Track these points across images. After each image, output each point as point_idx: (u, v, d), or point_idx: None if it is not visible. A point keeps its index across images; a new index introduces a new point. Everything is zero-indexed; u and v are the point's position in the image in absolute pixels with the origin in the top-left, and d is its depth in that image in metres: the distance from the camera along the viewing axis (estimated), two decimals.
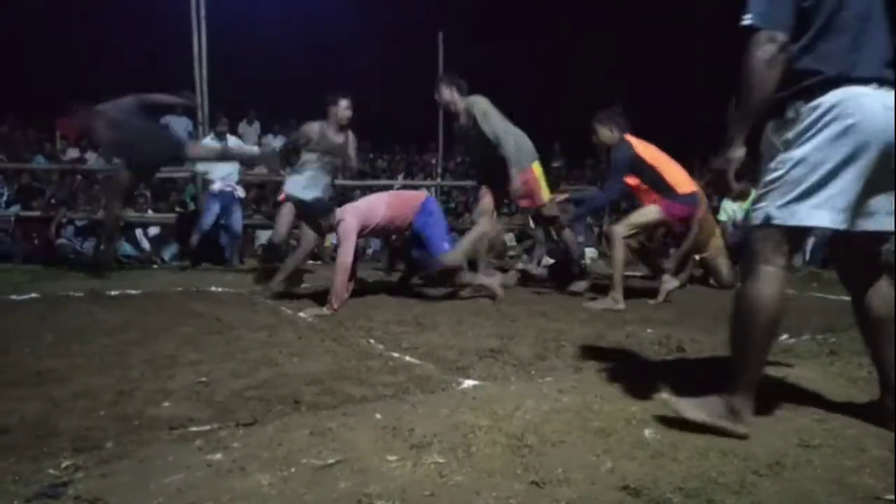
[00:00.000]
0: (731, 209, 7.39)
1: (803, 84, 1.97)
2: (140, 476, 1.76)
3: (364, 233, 4.72)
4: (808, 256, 7.35)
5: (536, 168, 5.47)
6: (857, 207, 1.99)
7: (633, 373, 2.85)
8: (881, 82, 1.97)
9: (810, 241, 6.44)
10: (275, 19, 12.79)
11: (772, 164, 2.03)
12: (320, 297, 4.70)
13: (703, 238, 5.74)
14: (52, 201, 7.86)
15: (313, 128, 5.43)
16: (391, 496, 1.65)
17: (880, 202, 2.03)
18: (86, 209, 7.84)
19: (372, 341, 3.54)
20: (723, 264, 6.12)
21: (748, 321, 2.02)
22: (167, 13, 8.43)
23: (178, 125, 10.54)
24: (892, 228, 2.05)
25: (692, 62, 13.46)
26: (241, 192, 7.65)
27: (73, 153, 9.30)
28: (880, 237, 2.10)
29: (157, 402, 2.43)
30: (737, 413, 2.05)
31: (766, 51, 1.91)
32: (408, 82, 9.52)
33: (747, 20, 1.95)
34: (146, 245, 7.77)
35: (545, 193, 5.53)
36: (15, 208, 7.68)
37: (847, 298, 2.32)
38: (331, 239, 7.22)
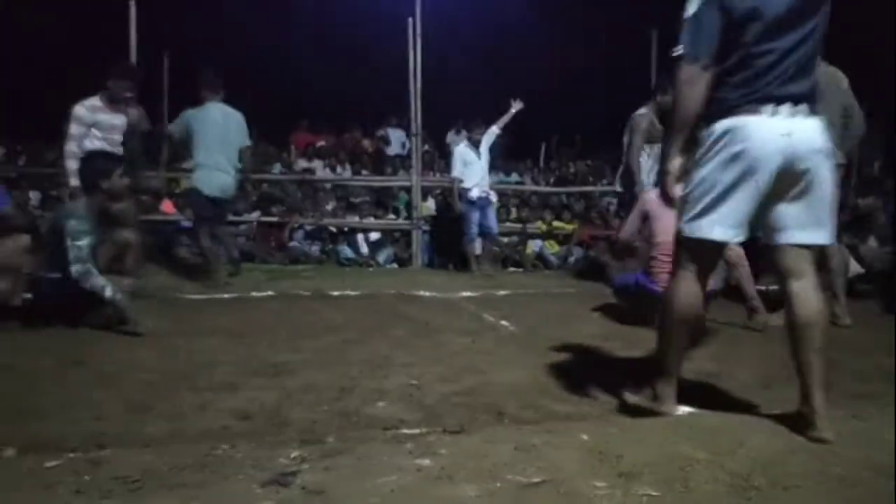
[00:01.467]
0: None
1: (709, 110, 2.23)
2: (357, 473, 1.86)
3: None
4: None
5: None
6: (767, 223, 2.27)
7: (882, 413, 2.45)
8: (782, 105, 2.16)
9: None
10: (482, 28, 13.17)
11: (687, 182, 2.30)
12: None
13: None
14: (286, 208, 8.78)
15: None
16: None
17: (791, 217, 2.23)
18: (313, 215, 8.65)
19: (573, 355, 3.45)
20: None
21: (665, 318, 2.37)
22: (385, 35, 9.04)
23: (395, 137, 11.26)
24: (807, 241, 2.24)
25: None
26: (494, 197, 7.73)
27: (302, 163, 10.33)
28: (800, 247, 2.25)
29: (373, 402, 2.57)
30: (659, 397, 2.42)
31: (687, 72, 2.21)
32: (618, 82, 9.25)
33: (677, 50, 2.25)
34: (364, 249, 8.37)
35: None
36: (256, 214, 8.69)
37: None
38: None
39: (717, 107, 2.22)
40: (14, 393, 2.62)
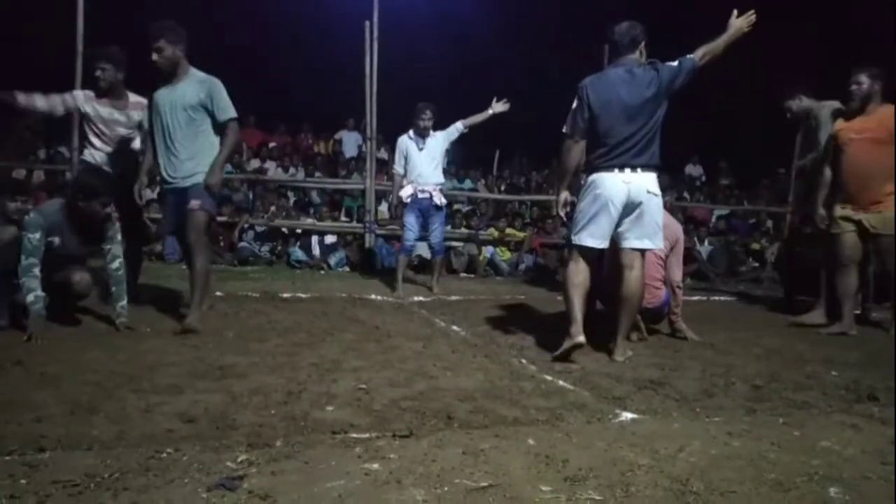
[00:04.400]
0: None
1: (586, 166, 3.63)
2: (305, 477, 1.85)
3: None
4: None
5: None
6: (618, 235, 3.57)
7: (815, 421, 2.57)
8: (626, 168, 3.46)
9: None
10: (438, 34, 13.20)
11: (572, 210, 3.71)
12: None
13: None
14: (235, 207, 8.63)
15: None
16: None
17: (636, 231, 3.54)
18: (264, 215, 8.53)
19: (524, 361, 3.51)
20: None
21: (566, 287, 3.58)
22: (341, 35, 8.99)
23: (351, 140, 11.20)
24: (637, 246, 3.57)
25: None
26: (440, 199, 6.18)
27: (255, 163, 10.18)
28: (633, 250, 3.58)
29: (321, 406, 2.56)
30: (571, 334, 3.45)
31: (567, 146, 3.64)
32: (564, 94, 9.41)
33: (564, 128, 3.73)
34: (317, 252, 8.29)
35: None
36: None
37: None
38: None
39: (589, 166, 3.58)
40: None
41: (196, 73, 4.08)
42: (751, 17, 3.54)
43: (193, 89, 3.99)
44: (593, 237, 3.51)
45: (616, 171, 3.45)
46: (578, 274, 3.54)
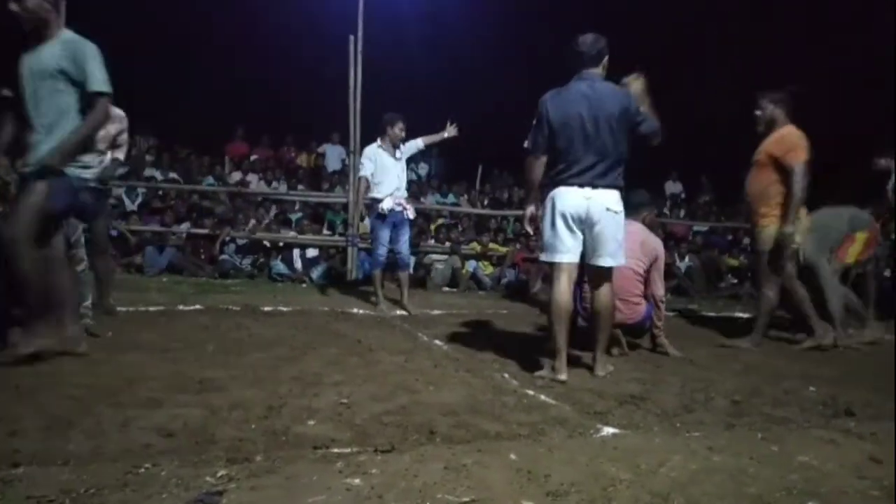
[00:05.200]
0: None
1: (548, 181, 3.56)
2: (286, 493, 1.83)
3: None
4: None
5: None
6: (585, 251, 3.53)
7: (793, 436, 2.60)
8: (586, 185, 3.42)
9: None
10: (422, 50, 13.27)
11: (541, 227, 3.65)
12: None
13: None
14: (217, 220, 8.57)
15: None
16: None
17: (598, 250, 3.49)
18: (246, 228, 8.48)
19: (506, 375, 3.51)
20: None
21: (549, 313, 3.53)
22: (326, 47, 9.01)
23: (334, 153, 11.18)
24: (601, 263, 3.51)
25: None
26: (412, 213, 6.25)
27: (236, 176, 10.12)
28: (598, 267, 3.53)
29: (302, 420, 2.54)
30: (555, 369, 3.44)
31: (529, 162, 3.62)
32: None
33: (525, 144, 3.69)
34: (299, 265, 8.25)
35: None
36: (185, 225, 8.45)
37: None
38: None
39: (550, 181, 3.54)
40: None
41: (66, 34, 3.30)
42: (639, 79, 3.78)
43: (55, 52, 3.22)
44: (559, 252, 3.48)
45: (576, 187, 3.43)
46: (562, 296, 3.48)
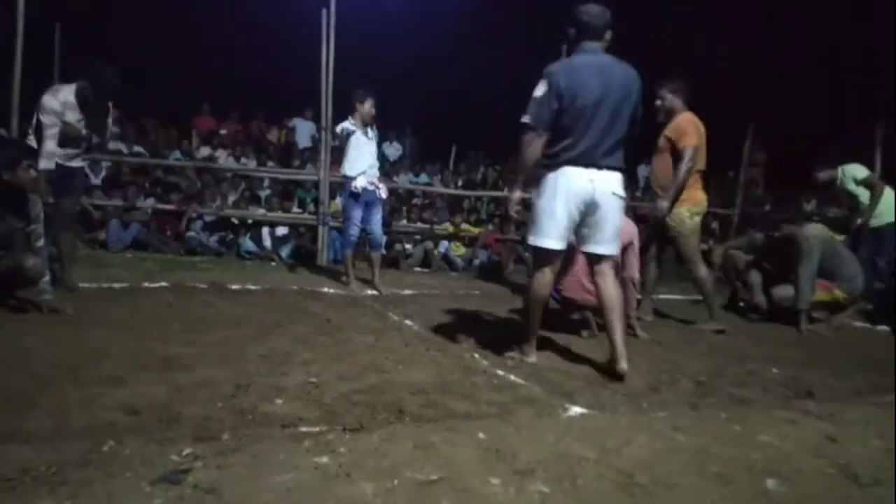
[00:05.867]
0: None
1: (546, 161, 3.25)
2: (252, 471, 1.82)
3: None
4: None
5: None
6: (579, 237, 3.36)
7: (756, 416, 2.65)
8: (592, 166, 3.16)
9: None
10: (397, 27, 13.13)
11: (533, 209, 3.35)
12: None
13: None
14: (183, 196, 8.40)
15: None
16: None
17: (597, 236, 3.29)
18: (214, 205, 8.33)
19: (476, 355, 3.52)
20: None
21: (527, 300, 3.42)
22: (298, 22, 8.84)
23: (304, 129, 11.03)
24: (599, 251, 3.32)
25: None
26: (384, 193, 6.09)
27: (205, 151, 9.91)
28: (600, 255, 3.34)
29: (270, 399, 2.52)
30: (525, 352, 3.44)
31: (529, 139, 3.23)
32: (527, 91, 9.47)
33: (524, 118, 3.24)
34: (268, 243, 8.14)
35: None
36: (150, 201, 8.27)
37: None
38: None
39: (551, 160, 3.24)
40: None
41: None
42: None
43: None
44: (551, 238, 3.24)
45: (581, 167, 3.16)
46: (543, 287, 3.33)
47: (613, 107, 3.16)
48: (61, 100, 4.34)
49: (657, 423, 2.47)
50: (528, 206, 3.65)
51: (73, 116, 4.41)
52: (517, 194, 3.52)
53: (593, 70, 3.17)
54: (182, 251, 7.77)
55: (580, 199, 3.19)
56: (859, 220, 6.19)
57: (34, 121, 4.41)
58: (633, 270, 4.36)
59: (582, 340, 4.07)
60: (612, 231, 3.32)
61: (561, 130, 3.19)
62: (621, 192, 3.26)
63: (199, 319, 3.98)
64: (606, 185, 3.19)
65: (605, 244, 3.31)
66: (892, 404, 2.88)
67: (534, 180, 3.42)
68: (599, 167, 3.18)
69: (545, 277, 3.32)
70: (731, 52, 12.64)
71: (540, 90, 3.19)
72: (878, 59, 10.25)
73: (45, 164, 4.24)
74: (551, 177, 3.23)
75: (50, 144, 4.32)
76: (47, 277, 3.84)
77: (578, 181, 3.17)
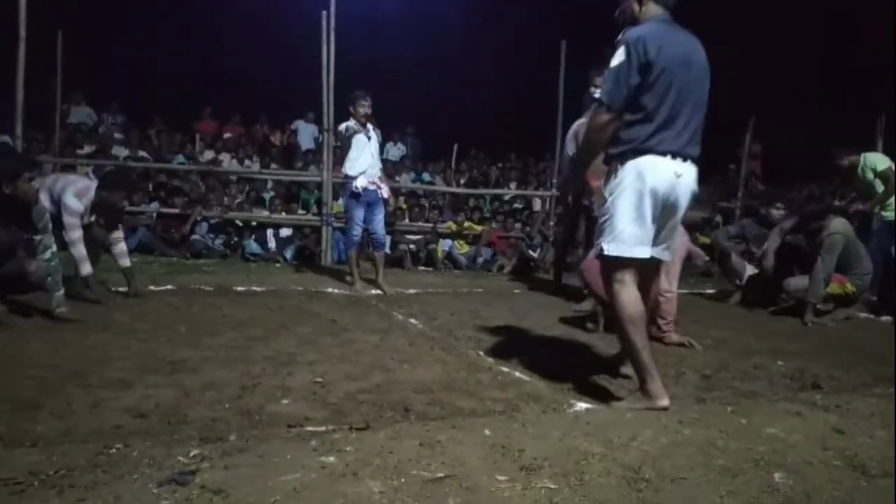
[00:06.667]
0: None
1: (622, 149, 2.61)
2: (259, 471, 1.83)
3: None
4: None
5: None
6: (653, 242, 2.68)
7: (762, 409, 2.65)
8: (678, 156, 2.59)
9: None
10: (397, 28, 13.14)
11: (603, 210, 2.71)
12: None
13: None
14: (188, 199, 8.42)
15: None
16: None
17: (668, 241, 2.76)
18: (218, 208, 8.35)
19: (481, 353, 3.53)
20: None
21: (623, 328, 2.65)
22: (299, 24, 8.85)
23: (307, 131, 11.04)
24: (664, 257, 2.78)
25: None
26: (386, 192, 6.07)
27: (209, 155, 9.94)
28: (660, 263, 2.82)
29: (276, 399, 2.53)
30: (653, 393, 2.59)
31: (602, 120, 2.60)
32: (527, 89, 9.46)
33: (599, 94, 2.73)
34: (272, 245, 8.17)
35: None
36: (155, 205, 8.30)
37: None
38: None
39: (629, 147, 2.60)
40: None
41: None
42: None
43: None
44: (642, 244, 2.62)
45: (669, 157, 2.58)
46: (634, 303, 2.63)
47: (698, 86, 2.66)
48: (85, 204, 4.39)
49: (663, 418, 2.46)
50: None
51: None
52: (577, 184, 3.20)
53: (678, 40, 2.63)
54: (187, 254, 7.80)
55: (666, 196, 2.61)
56: (860, 206, 6.22)
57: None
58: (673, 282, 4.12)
59: (587, 334, 4.07)
60: (678, 234, 2.93)
61: (644, 111, 2.58)
62: (697, 191, 2.73)
63: (205, 322, 3.99)
64: (689, 181, 2.65)
65: (669, 251, 2.82)
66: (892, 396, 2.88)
67: (596, 174, 2.93)
68: (685, 157, 2.62)
69: (632, 294, 2.64)
70: (731, 46, 12.60)
71: (618, 59, 2.57)
72: (879, 51, 10.21)
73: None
74: (631, 169, 2.59)
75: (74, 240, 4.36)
76: (61, 291, 3.82)
77: (666, 175, 2.59)
